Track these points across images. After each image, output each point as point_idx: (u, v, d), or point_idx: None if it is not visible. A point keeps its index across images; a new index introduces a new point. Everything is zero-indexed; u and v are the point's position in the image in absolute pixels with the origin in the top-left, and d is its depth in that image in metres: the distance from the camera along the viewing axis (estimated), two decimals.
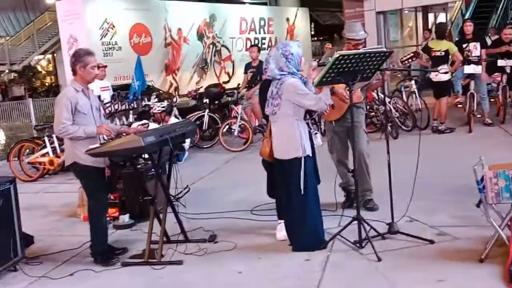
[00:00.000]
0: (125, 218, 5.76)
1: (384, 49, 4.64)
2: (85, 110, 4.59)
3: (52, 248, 5.21)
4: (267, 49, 20.70)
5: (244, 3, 23.76)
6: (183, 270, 4.42)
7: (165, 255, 4.65)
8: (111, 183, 5.78)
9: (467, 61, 9.21)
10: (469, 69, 9.30)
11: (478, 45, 9.32)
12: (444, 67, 8.70)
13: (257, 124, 10.42)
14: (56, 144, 8.84)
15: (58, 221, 6.25)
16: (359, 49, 5.12)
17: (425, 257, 4.16)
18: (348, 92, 4.57)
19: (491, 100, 10.17)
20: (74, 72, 4.65)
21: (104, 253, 4.73)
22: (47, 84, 25.61)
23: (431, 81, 9.13)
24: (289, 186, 4.44)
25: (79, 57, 4.61)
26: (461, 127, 9.42)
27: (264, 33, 22.16)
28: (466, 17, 17.10)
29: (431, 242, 4.39)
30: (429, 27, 17.88)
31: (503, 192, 3.82)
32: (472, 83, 9.47)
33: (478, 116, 9.74)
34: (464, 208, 5.05)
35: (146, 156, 5.60)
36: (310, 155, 4.45)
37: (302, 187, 4.39)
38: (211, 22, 19.48)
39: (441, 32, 9.32)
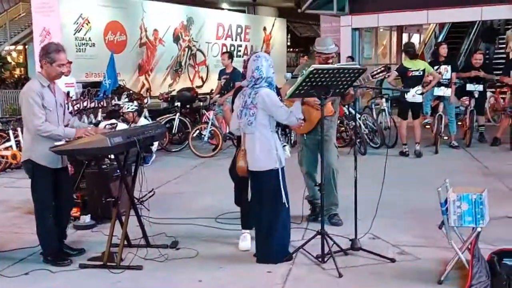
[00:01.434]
0: (86, 219, 5.64)
1: (358, 66, 4.68)
2: (50, 107, 4.45)
3: (8, 245, 5.07)
4: (243, 57, 20.72)
5: (222, 9, 23.74)
6: (142, 275, 4.34)
7: (125, 259, 4.57)
8: (74, 182, 5.66)
9: (437, 83, 9.35)
10: (439, 91, 9.47)
11: (449, 68, 9.50)
12: (419, 88, 8.78)
13: (227, 131, 10.39)
14: (20, 138, 8.64)
15: (17, 217, 6.09)
16: (329, 63, 5.17)
17: (386, 275, 4.18)
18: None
19: (458, 123, 10.37)
20: (41, 66, 4.52)
21: (54, 254, 4.60)
22: (16, 76, 25.07)
23: (404, 101, 9.04)
24: (264, 197, 4.42)
25: (48, 52, 4.46)
26: (427, 147, 9.55)
27: (241, 40, 22.19)
28: (440, 40, 17.46)
29: (392, 260, 4.42)
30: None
31: (466, 215, 3.87)
32: (441, 105, 9.63)
33: (445, 138, 9.91)
34: (427, 229, 5.10)
35: (112, 156, 5.51)
36: (284, 165, 4.45)
37: (284, 199, 4.42)
38: (188, 25, 19.40)
39: (414, 51, 9.42)
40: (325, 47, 5.27)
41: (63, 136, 4.43)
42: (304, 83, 4.27)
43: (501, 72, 10.46)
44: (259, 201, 4.49)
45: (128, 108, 9.11)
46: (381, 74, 5.14)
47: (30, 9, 16.01)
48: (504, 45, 16.54)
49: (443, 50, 9.64)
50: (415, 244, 4.82)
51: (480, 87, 9.96)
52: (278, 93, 4.69)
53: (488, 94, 11.56)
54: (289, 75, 5.29)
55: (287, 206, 4.52)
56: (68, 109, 5.03)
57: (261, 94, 4.37)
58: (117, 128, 5.33)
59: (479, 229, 3.88)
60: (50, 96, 4.49)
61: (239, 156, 4.60)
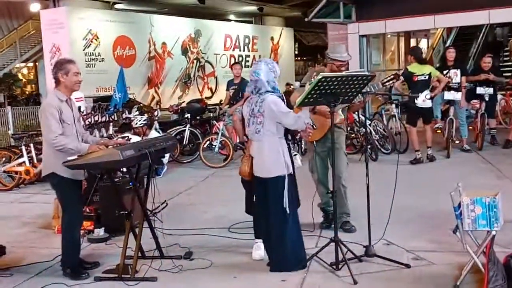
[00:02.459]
0: (100, 232, 5.67)
1: (366, 73, 4.69)
2: (68, 121, 4.54)
3: (24, 260, 5.10)
4: (251, 67, 20.80)
5: (229, 20, 23.88)
6: (157, 287, 4.35)
7: (139, 271, 4.58)
8: (87, 195, 5.71)
9: (447, 87, 9.32)
10: (449, 95, 9.43)
11: (458, 72, 9.46)
12: (427, 93, 8.72)
13: (237, 141, 10.40)
14: (33, 153, 8.73)
15: (32, 232, 6.13)
16: (342, 70, 5.16)
17: (401, 281, 4.16)
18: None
19: (469, 127, 10.30)
20: (57, 82, 4.60)
21: (74, 267, 4.64)
22: (27, 92, 25.32)
23: (413, 107, 8.95)
24: (271, 204, 4.41)
25: (61, 65, 4.59)
26: (439, 152, 9.51)
27: (249, 50, 22.31)
28: (448, 44, 17.43)
29: (407, 266, 4.39)
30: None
31: (480, 219, 3.84)
32: (452, 109, 9.59)
33: (456, 142, 9.86)
34: (441, 233, 5.08)
35: (124, 169, 5.54)
36: (292, 173, 4.45)
37: (286, 205, 4.36)
38: (196, 38, 19.55)
39: (421, 55, 9.39)
40: (339, 54, 5.27)
41: (76, 150, 4.48)
42: (313, 91, 4.27)
43: (510, 75, 10.41)
44: (267, 208, 4.48)
45: (137, 123, 9.15)
46: (391, 82, 5.14)
47: (40, 27, 16.22)
48: (508, 56, 16.43)
49: (450, 54, 9.61)
50: (430, 249, 4.79)
51: (490, 90, 9.91)
52: (284, 100, 4.66)
53: (499, 96, 11.49)
54: (297, 84, 5.32)
55: (294, 212, 4.49)
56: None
57: (267, 102, 4.38)
58: (130, 141, 5.36)
59: (493, 233, 3.85)
60: (68, 111, 4.59)
61: (243, 160, 4.62)
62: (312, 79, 4.75)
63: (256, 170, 4.48)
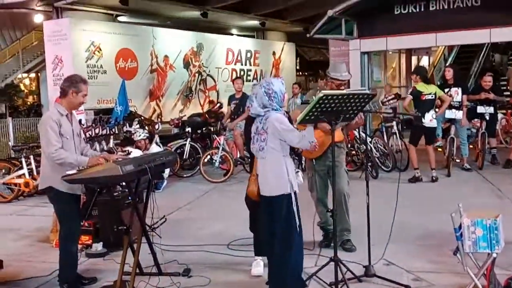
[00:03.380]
0: (98, 247, 5.64)
1: (367, 91, 4.68)
2: (67, 135, 4.56)
3: (21, 274, 5.06)
4: (252, 81, 20.86)
5: (232, 34, 23.99)
6: None
7: (137, 287, 4.54)
8: (86, 209, 5.67)
9: (448, 106, 9.32)
10: (450, 113, 9.42)
11: (459, 90, 9.47)
12: (433, 112, 8.71)
13: (238, 156, 10.41)
14: (33, 165, 8.71)
15: (30, 246, 6.10)
16: (341, 89, 5.16)
17: None
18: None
19: (470, 146, 10.29)
20: (64, 95, 4.61)
21: (71, 282, 4.61)
22: (29, 103, 25.37)
23: (419, 126, 8.79)
24: (275, 223, 4.37)
25: (75, 82, 4.61)
26: (439, 170, 9.48)
27: (250, 65, 22.37)
28: (449, 62, 17.49)
29: (407, 287, 4.35)
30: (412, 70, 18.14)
31: (480, 241, 3.82)
32: (453, 128, 9.58)
33: (457, 160, 9.84)
34: (441, 254, 5.05)
35: (124, 183, 5.52)
36: (297, 191, 4.41)
37: (297, 223, 4.30)
38: (198, 51, 19.62)
39: (426, 74, 9.39)
40: (339, 73, 5.28)
41: (76, 164, 4.48)
42: (314, 109, 4.27)
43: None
44: (271, 227, 4.43)
45: (139, 136, 9.15)
46: (391, 102, 5.15)
47: (43, 38, 16.27)
48: (506, 86, 16.34)
49: (447, 73, 9.61)
50: (430, 270, 4.76)
51: (491, 109, 9.92)
52: (289, 118, 4.66)
53: (499, 116, 11.50)
54: (298, 101, 5.31)
55: (298, 231, 4.47)
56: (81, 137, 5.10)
57: (271, 120, 4.35)
58: (131, 155, 5.35)
59: (494, 255, 3.82)
60: (67, 125, 4.60)
61: (250, 181, 4.59)
62: (314, 97, 4.74)
63: (261, 189, 4.45)
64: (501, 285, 3.88)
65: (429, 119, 8.64)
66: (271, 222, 4.39)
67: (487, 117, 9.96)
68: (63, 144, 4.50)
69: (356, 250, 5.30)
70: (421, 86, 8.77)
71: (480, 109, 9.89)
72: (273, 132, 4.33)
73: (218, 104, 12.80)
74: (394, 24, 13.38)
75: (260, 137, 4.38)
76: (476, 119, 10.06)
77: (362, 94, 4.40)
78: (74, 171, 4.44)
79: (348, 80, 5.53)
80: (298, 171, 4.57)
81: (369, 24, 13.67)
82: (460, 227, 3.89)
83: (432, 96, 8.71)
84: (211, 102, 15.41)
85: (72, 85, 4.60)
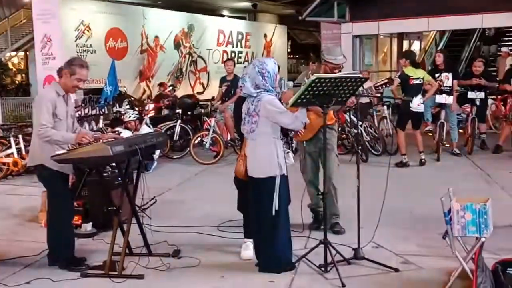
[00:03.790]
0: (87, 227, 5.63)
1: (360, 75, 4.67)
2: (61, 116, 4.51)
3: (9, 253, 5.03)
4: (243, 63, 20.75)
5: (223, 16, 23.80)
6: (144, 285, 4.31)
7: (127, 268, 4.54)
8: (75, 189, 5.65)
9: (439, 90, 9.33)
10: (440, 98, 9.44)
11: (450, 75, 9.47)
12: (420, 97, 8.73)
13: (229, 138, 10.39)
14: (21, 145, 8.65)
15: (18, 225, 6.07)
16: (335, 73, 5.13)
17: (389, 285, 4.16)
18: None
19: (460, 130, 10.33)
20: (60, 75, 4.60)
21: (70, 260, 4.62)
22: (17, 82, 25.07)
23: (406, 111, 8.82)
24: (262, 205, 4.38)
25: (71, 64, 4.56)
26: (429, 155, 9.53)
27: (241, 47, 22.22)
28: (440, 47, 17.48)
29: (396, 270, 4.39)
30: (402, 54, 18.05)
31: (469, 225, 3.85)
32: (443, 113, 9.61)
33: (446, 145, 9.88)
34: (430, 238, 5.09)
35: (114, 164, 5.49)
36: (286, 174, 4.42)
37: (276, 206, 4.32)
38: (189, 32, 19.43)
39: (415, 59, 9.39)
40: (334, 57, 5.23)
41: (62, 141, 4.45)
42: (306, 92, 4.25)
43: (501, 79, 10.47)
44: (258, 208, 4.45)
45: (129, 117, 9.09)
46: (384, 86, 5.14)
47: (32, 16, 16.04)
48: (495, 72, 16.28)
49: (438, 58, 9.60)
50: (418, 254, 4.80)
51: (481, 95, 9.96)
52: (280, 100, 4.64)
53: (489, 101, 11.55)
54: (291, 83, 5.28)
55: (286, 213, 4.47)
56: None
57: (262, 102, 4.33)
58: (122, 136, 5.30)
59: (483, 239, 3.86)
60: (63, 106, 4.56)
61: (239, 160, 4.59)
62: (306, 79, 4.73)
63: (249, 170, 4.45)
64: (489, 269, 3.91)
65: (417, 104, 8.66)
66: (259, 203, 4.40)
67: (478, 103, 10.00)
68: (56, 125, 4.45)
69: (345, 232, 5.33)
70: (409, 70, 8.77)
71: (470, 94, 9.92)
72: (265, 115, 4.31)
73: (171, 87, 12.49)
74: (386, 8, 13.34)
75: (252, 119, 4.37)
76: (466, 105, 10.09)
77: (354, 77, 4.39)
78: (63, 151, 4.40)
79: (342, 66, 5.49)
80: (288, 152, 4.57)
81: (362, 8, 13.63)
82: (449, 211, 3.91)
83: (420, 81, 8.72)
84: (160, 84, 14.67)
85: (68, 66, 4.55)
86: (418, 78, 8.70)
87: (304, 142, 5.44)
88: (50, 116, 4.41)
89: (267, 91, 4.37)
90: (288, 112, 4.36)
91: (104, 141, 4.54)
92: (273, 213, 4.34)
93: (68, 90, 4.64)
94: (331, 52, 5.30)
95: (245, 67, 9.68)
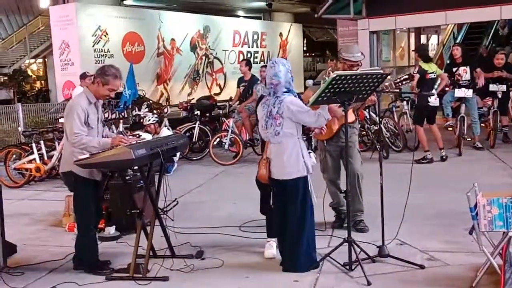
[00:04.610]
0: (111, 230, 5.66)
1: (381, 71, 4.63)
2: (93, 124, 4.54)
3: (35, 258, 5.08)
4: (259, 63, 20.75)
5: (238, 16, 23.82)
6: (168, 286, 4.32)
7: (151, 270, 4.56)
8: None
9: (457, 84, 9.22)
10: (459, 92, 9.31)
11: (468, 69, 9.34)
12: (434, 91, 8.65)
13: (247, 138, 10.39)
14: (43, 150, 8.73)
15: (43, 230, 6.13)
16: (354, 70, 5.10)
17: (415, 282, 4.11)
18: (341, 110, 4.54)
19: (482, 124, 10.20)
20: (93, 82, 4.61)
21: (95, 264, 4.66)
22: (36, 88, 25.39)
23: (425, 106, 8.71)
24: (290, 205, 4.39)
25: (106, 74, 4.54)
26: (450, 150, 9.42)
27: (257, 47, 22.24)
28: (458, 40, 17.28)
29: (422, 267, 4.34)
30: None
31: (496, 220, 3.79)
32: (463, 107, 9.49)
33: (468, 139, 9.76)
34: (455, 233, 5.03)
35: (136, 167, 5.51)
36: (312, 172, 4.42)
37: (311, 205, 4.42)
38: (204, 34, 19.52)
39: (426, 53, 9.28)
40: (352, 54, 5.20)
41: (99, 147, 4.46)
42: (327, 90, 4.23)
43: None
44: (285, 210, 4.45)
45: (149, 120, 9.14)
46: (404, 83, 5.08)
47: (49, 23, 16.24)
48: None
49: (455, 52, 9.47)
50: (444, 250, 4.74)
51: (503, 87, 9.83)
52: (301, 99, 4.65)
53: (511, 94, 11.37)
54: (311, 82, 5.26)
55: (311, 212, 4.49)
56: None
57: (285, 103, 4.33)
58: (142, 139, 5.32)
59: (510, 234, 3.79)
60: (94, 114, 4.58)
61: (261, 164, 4.57)
62: (326, 77, 4.70)
63: (274, 172, 4.44)
64: None
65: (434, 98, 8.59)
66: (286, 204, 4.40)
67: (499, 95, 9.87)
68: (88, 133, 4.48)
69: (369, 230, 5.29)
70: (424, 65, 8.72)
71: (492, 87, 9.80)
72: (289, 116, 4.32)
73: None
74: (403, 2, 13.22)
75: (275, 122, 4.36)
76: (488, 98, 9.96)
77: (375, 74, 4.35)
78: (86, 156, 4.43)
79: (360, 63, 5.45)
80: (310, 152, 4.58)
81: (378, 3, 13.52)
82: (475, 206, 3.86)
83: (434, 75, 8.69)
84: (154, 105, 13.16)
85: (101, 75, 4.54)
86: (432, 73, 8.66)
87: (325, 142, 5.42)
88: (82, 123, 4.42)
89: (289, 91, 4.40)
90: (311, 110, 4.36)
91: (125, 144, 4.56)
92: (307, 213, 4.37)
93: (99, 98, 4.65)
94: (348, 50, 5.27)
95: (263, 66, 9.62)
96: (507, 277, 3.67)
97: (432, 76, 8.64)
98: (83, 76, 9.08)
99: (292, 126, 4.35)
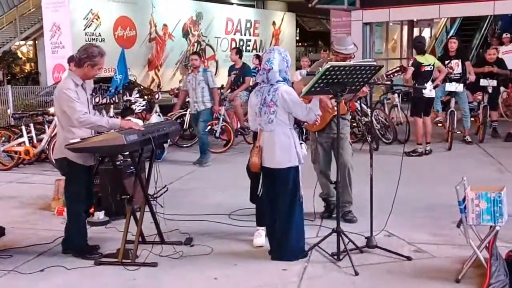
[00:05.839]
0: (100, 215, 5.65)
1: (374, 63, 4.64)
2: (84, 105, 4.50)
3: (23, 241, 5.07)
4: (252, 51, 20.68)
5: (231, 3, 23.69)
6: (157, 272, 4.33)
7: (140, 256, 4.56)
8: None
9: (448, 78, 9.25)
10: (450, 86, 9.33)
11: (460, 62, 9.36)
12: (431, 83, 8.66)
13: (238, 126, 10.38)
14: (33, 133, 8.67)
15: (31, 214, 6.11)
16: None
17: (402, 274, 4.15)
18: (332, 101, 4.57)
19: (471, 119, 10.26)
20: (79, 66, 4.54)
21: (83, 248, 4.66)
22: (26, 71, 25.14)
23: (420, 98, 8.72)
24: (280, 194, 4.41)
25: (92, 56, 4.49)
26: (440, 144, 9.47)
27: (250, 35, 22.16)
28: (451, 34, 17.31)
29: (409, 259, 4.38)
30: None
31: (484, 214, 3.83)
32: (453, 101, 9.52)
33: (458, 132, 9.81)
34: (442, 226, 5.08)
35: (127, 153, 5.50)
36: (303, 163, 4.44)
37: (301, 196, 4.42)
38: (197, 20, 19.39)
39: (421, 46, 9.29)
40: (344, 47, 5.21)
41: (108, 127, 4.44)
42: (320, 81, 4.23)
43: None
44: (275, 199, 4.47)
45: (138, 106, 9.09)
46: (396, 74, 5.10)
47: (40, 4, 16.05)
48: None
49: (451, 45, 9.48)
50: (431, 242, 4.78)
51: (494, 82, 9.88)
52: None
53: (501, 89, 11.45)
54: (304, 72, 5.26)
55: (300, 202, 4.51)
56: None
57: (280, 91, 4.34)
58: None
59: (497, 228, 3.84)
60: (83, 95, 4.56)
61: (253, 153, 4.57)
62: (320, 68, 4.71)
63: (266, 160, 4.45)
64: (503, 258, 3.90)
65: (429, 90, 8.59)
66: (276, 193, 4.42)
67: (490, 90, 9.92)
68: None
69: (357, 221, 5.32)
70: (420, 58, 8.71)
71: (483, 82, 9.84)
72: (282, 105, 4.33)
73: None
74: None
75: (269, 109, 4.37)
76: (478, 92, 10.02)
77: (369, 65, 4.37)
78: (77, 140, 4.41)
79: (353, 55, 5.45)
80: (302, 143, 4.59)
81: None
82: (464, 200, 3.90)
83: (431, 68, 8.67)
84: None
85: (89, 58, 4.49)
86: (429, 65, 8.64)
87: (316, 133, 5.43)
88: (80, 103, 4.39)
89: (285, 80, 4.41)
90: (303, 104, 4.37)
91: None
92: (299, 201, 4.39)
93: (87, 79, 4.64)
94: (340, 43, 5.27)
95: (256, 55, 9.61)
96: (493, 270, 3.73)
97: (428, 68, 8.63)
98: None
99: (285, 115, 4.37)
